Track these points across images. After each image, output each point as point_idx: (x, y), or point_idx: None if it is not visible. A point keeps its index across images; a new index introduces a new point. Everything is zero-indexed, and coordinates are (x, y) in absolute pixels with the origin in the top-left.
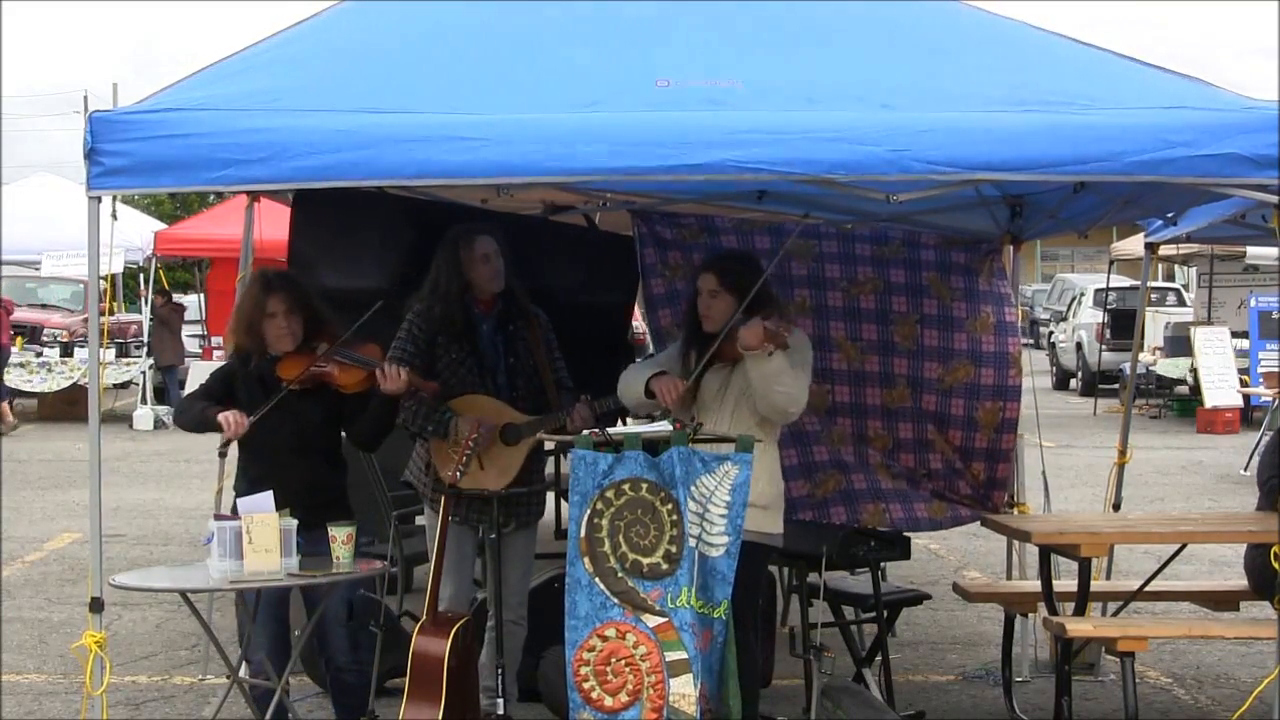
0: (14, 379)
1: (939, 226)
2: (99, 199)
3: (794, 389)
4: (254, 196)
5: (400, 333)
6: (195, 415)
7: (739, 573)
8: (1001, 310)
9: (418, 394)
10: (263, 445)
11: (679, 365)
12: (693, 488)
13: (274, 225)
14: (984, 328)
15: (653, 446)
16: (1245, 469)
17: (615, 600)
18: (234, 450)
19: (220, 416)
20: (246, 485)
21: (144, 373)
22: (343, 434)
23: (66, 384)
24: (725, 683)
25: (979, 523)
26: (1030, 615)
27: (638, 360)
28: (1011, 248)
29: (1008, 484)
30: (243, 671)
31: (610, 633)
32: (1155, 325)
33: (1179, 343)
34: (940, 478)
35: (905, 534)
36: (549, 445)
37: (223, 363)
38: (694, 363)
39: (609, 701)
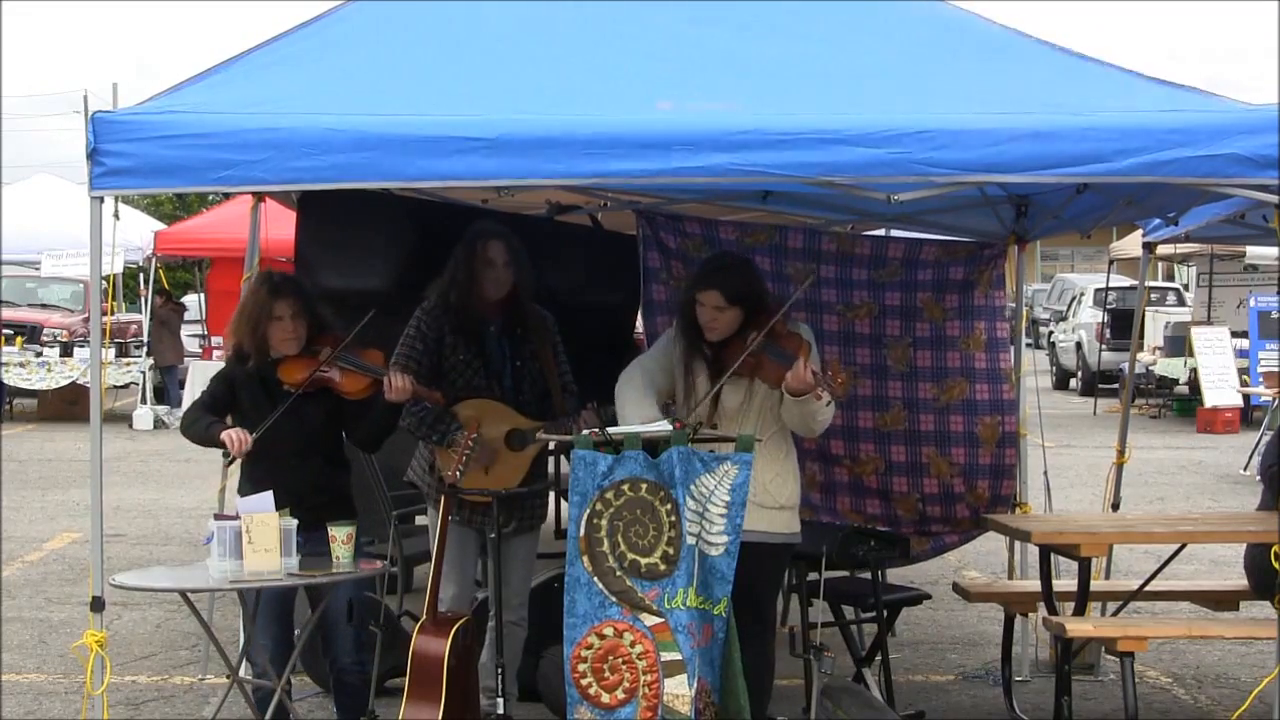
0: (13, 378)
1: (945, 226)
2: (101, 199)
3: (830, 414)
4: (259, 197)
5: (409, 330)
6: (200, 431)
7: (759, 571)
8: (994, 326)
9: (422, 401)
10: (265, 447)
11: (680, 372)
12: (692, 487)
13: (279, 226)
14: (976, 344)
15: (652, 446)
16: (1245, 469)
17: (614, 599)
18: None
19: (224, 435)
20: (250, 487)
21: (144, 373)
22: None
23: (65, 382)
24: (732, 680)
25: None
26: (1030, 615)
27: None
28: (1016, 248)
29: (1010, 500)
30: (243, 671)
31: (608, 631)
32: (1155, 325)
33: (1179, 343)
34: (935, 502)
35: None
36: (550, 445)
37: (220, 365)
38: (698, 374)
39: (606, 698)
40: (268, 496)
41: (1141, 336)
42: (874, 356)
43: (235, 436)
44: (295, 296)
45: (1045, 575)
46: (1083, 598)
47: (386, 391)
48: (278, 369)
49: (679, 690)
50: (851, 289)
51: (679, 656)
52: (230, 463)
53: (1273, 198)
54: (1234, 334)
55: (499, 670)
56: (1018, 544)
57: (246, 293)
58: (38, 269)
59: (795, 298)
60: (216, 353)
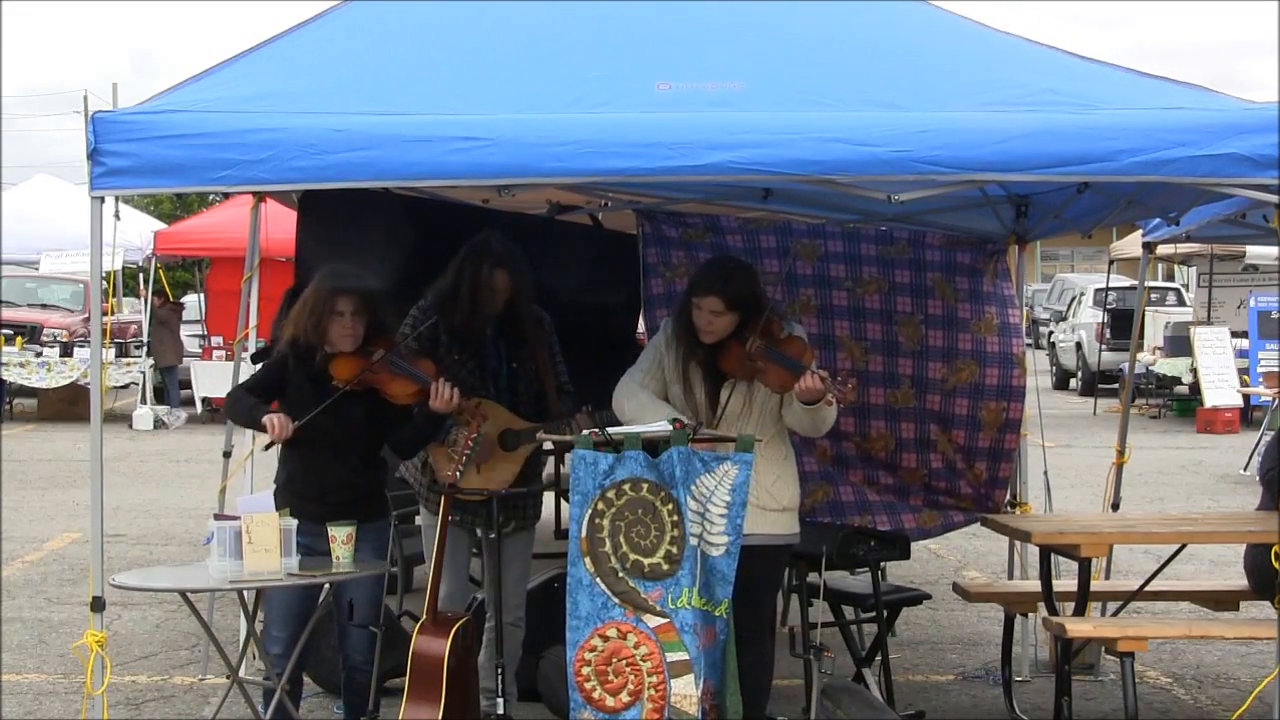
0: (14, 378)
1: (945, 226)
2: (102, 199)
3: (834, 415)
4: (259, 197)
5: (404, 329)
6: (244, 411)
7: (762, 573)
8: (1005, 311)
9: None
10: (304, 440)
11: (676, 376)
12: (693, 487)
13: (279, 226)
14: (988, 329)
15: (653, 446)
16: (1245, 469)
17: (616, 600)
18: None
19: (266, 420)
20: (285, 477)
21: (144, 373)
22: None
23: (65, 383)
24: (729, 682)
25: (979, 523)
26: (1030, 615)
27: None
28: (1017, 248)
29: (1009, 483)
30: (243, 671)
31: (611, 633)
32: (1155, 325)
33: (1179, 343)
34: (941, 477)
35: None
36: (548, 445)
37: (218, 365)
38: (695, 377)
39: (610, 701)
40: (268, 496)
41: (1141, 336)
42: (885, 332)
43: (278, 422)
44: (358, 294)
45: (1045, 575)
46: (1083, 598)
47: (432, 400)
48: (330, 363)
49: (686, 691)
50: (860, 264)
51: (686, 656)
52: (268, 447)
53: (1273, 198)
54: (1234, 334)
55: (498, 670)
56: (1018, 544)
57: (311, 286)
58: (38, 269)
59: (775, 299)
60: (216, 353)
